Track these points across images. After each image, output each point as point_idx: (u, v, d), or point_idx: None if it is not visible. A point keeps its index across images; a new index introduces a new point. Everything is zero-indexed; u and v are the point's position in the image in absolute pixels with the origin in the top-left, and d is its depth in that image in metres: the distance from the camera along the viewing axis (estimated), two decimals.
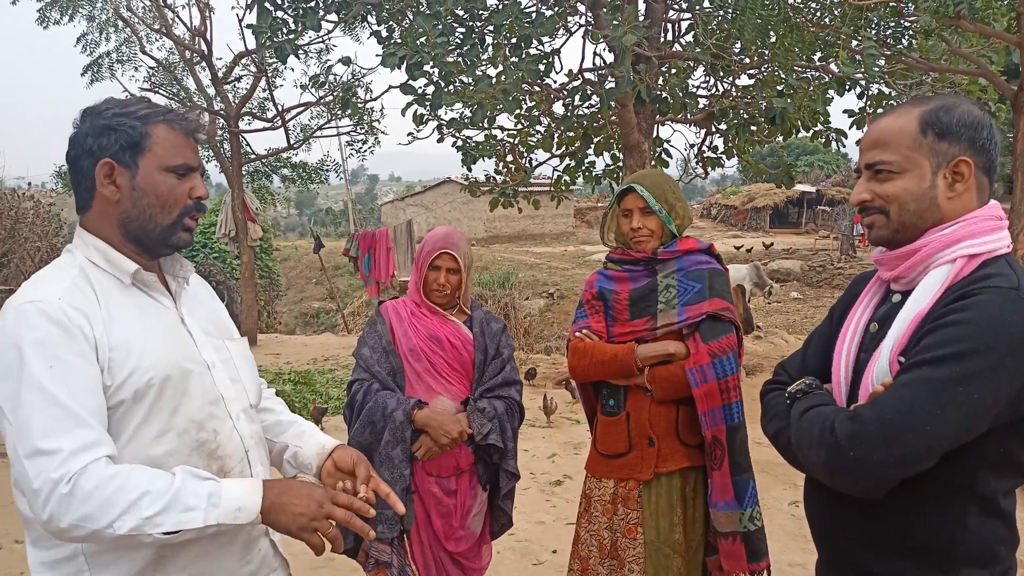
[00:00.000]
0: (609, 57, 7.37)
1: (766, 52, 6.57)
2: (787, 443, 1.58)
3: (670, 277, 2.61)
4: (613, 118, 7.68)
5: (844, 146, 8.38)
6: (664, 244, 2.63)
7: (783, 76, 7.10)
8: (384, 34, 7.25)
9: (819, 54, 6.97)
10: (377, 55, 6.31)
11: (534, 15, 6.74)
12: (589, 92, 7.71)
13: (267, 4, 6.68)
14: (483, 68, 6.50)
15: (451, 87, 6.59)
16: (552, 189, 9.45)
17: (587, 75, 7.71)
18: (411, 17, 6.69)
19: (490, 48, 6.77)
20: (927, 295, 1.46)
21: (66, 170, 1.55)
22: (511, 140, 8.81)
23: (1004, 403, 1.35)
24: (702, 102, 8.15)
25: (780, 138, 8.41)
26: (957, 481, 1.42)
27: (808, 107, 7.03)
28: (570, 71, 7.72)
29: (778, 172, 8.74)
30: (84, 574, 1.43)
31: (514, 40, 6.38)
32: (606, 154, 8.89)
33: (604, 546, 2.67)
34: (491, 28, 6.65)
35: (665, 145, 8.81)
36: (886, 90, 7.71)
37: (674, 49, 7.82)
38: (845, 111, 7.77)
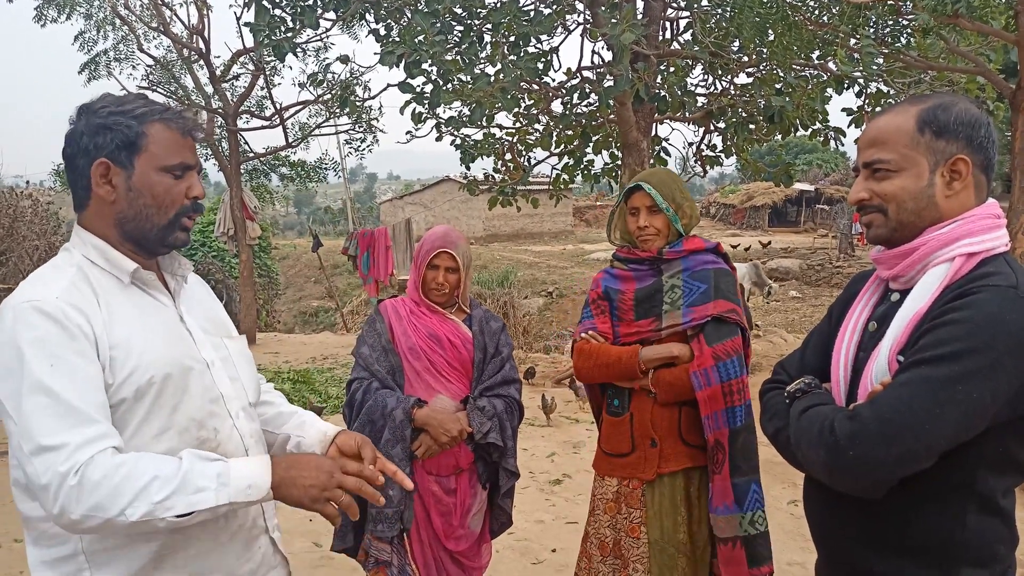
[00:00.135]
0: (607, 55, 7.38)
1: (764, 50, 6.57)
2: (786, 442, 1.58)
3: (675, 277, 2.61)
4: (612, 116, 7.69)
5: (843, 144, 8.39)
6: (670, 244, 2.62)
7: (781, 74, 7.10)
8: (382, 32, 7.24)
9: (817, 52, 6.97)
10: (375, 53, 6.30)
11: (532, 13, 6.74)
12: (587, 90, 7.71)
13: (265, 2, 6.67)
14: (481, 66, 6.49)
15: (449, 85, 6.58)
16: (551, 187, 9.45)
17: (585, 73, 7.71)
18: (409, 15, 6.68)
19: (488, 46, 6.76)
20: (926, 294, 1.46)
21: (63, 168, 1.55)
22: (510, 138, 8.81)
23: (1003, 402, 1.35)
24: (700, 100, 8.15)
25: (779, 136, 8.41)
26: (956, 480, 1.42)
27: (807, 105, 7.04)
28: (568, 69, 7.72)
29: (777, 170, 8.75)
30: (84, 573, 1.42)
31: (512, 38, 6.37)
32: (605, 152, 8.89)
33: (606, 544, 2.68)
34: (489, 26, 6.65)
35: (664, 143, 8.82)
36: (884, 88, 7.72)
37: (672, 47, 7.82)
38: (844, 109, 7.77)
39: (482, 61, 6.52)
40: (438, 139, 8.03)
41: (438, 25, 6.11)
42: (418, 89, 6.59)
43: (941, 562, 1.45)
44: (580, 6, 7.33)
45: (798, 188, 33.93)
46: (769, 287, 15.93)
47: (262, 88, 13.20)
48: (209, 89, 12.91)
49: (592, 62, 7.76)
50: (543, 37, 6.97)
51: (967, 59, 7.13)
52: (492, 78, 6.10)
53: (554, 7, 7.08)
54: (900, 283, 1.56)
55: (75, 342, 1.36)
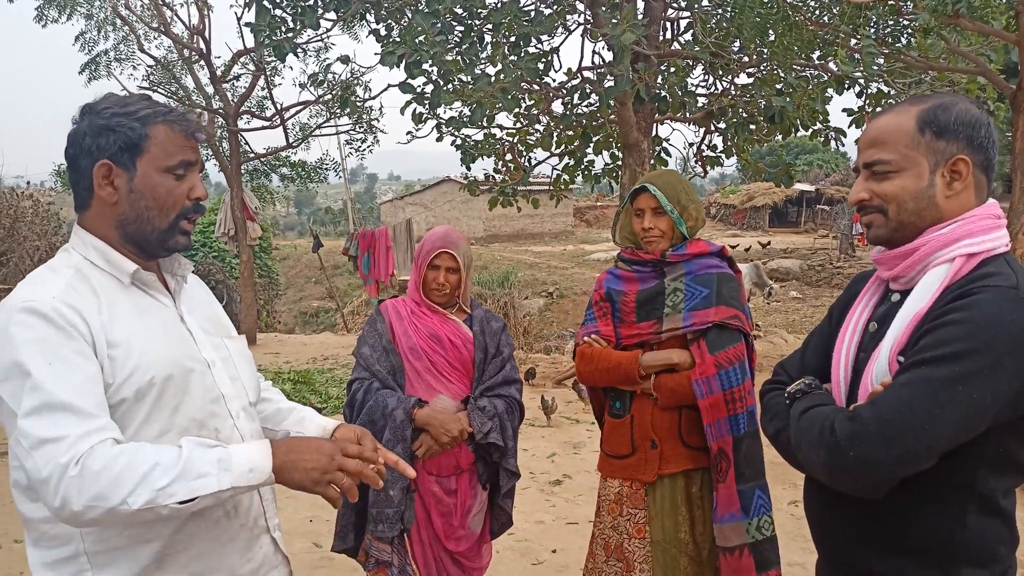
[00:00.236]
0: (608, 56, 7.38)
1: (765, 51, 6.58)
2: (787, 443, 1.58)
3: (678, 280, 2.61)
4: (612, 117, 7.69)
5: (843, 145, 8.40)
6: (674, 246, 2.62)
7: (782, 75, 7.11)
8: (383, 32, 7.25)
9: (818, 53, 6.98)
10: (376, 53, 6.31)
11: (533, 14, 6.75)
12: (588, 91, 7.72)
13: (266, 2, 6.68)
14: (482, 67, 6.50)
15: (450, 86, 6.59)
16: (551, 188, 9.46)
17: (586, 74, 7.72)
18: (410, 16, 6.69)
19: (489, 47, 6.77)
20: (926, 294, 1.46)
21: (64, 169, 1.54)
22: (510, 139, 8.82)
23: (1003, 402, 1.35)
24: (701, 101, 8.16)
25: (779, 137, 8.42)
26: (956, 480, 1.42)
27: (807, 106, 7.04)
28: (569, 70, 7.73)
29: (777, 171, 8.75)
30: (86, 574, 1.42)
31: (513, 39, 6.38)
32: (605, 153, 8.90)
33: (609, 545, 2.68)
34: (490, 27, 6.65)
35: (664, 144, 8.83)
36: (885, 89, 7.73)
37: (673, 48, 7.82)
38: (844, 110, 7.78)
39: (483, 61, 6.52)
40: (439, 139, 8.03)
41: (439, 25, 6.12)
42: (419, 89, 6.60)
43: (941, 562, 1.45)
44: (581, 6, 7.34)
45: (798, 188, 33.92)
46: (770, 287, 15.93)
47: (263, 88, 13.21)
48: (210, 89, 12.91)
49: (593, 62, 7.78)
50: (544, 37, 6.98)
51: (968, 59, 7.13)
52: (493, 78, 6.11)
53: (555, 7, 7.09)
54: (900, 284, 1.56)
55: (72, 341, 1.36)
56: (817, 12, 6.86)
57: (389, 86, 7.12)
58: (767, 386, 1.76)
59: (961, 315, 1.37)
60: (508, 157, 8.90)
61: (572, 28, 7.90)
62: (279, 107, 12.90)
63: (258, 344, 12.42)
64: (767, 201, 36.10)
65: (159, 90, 13.47)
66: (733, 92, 8.07)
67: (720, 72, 7.83)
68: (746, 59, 7.16)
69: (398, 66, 6.07)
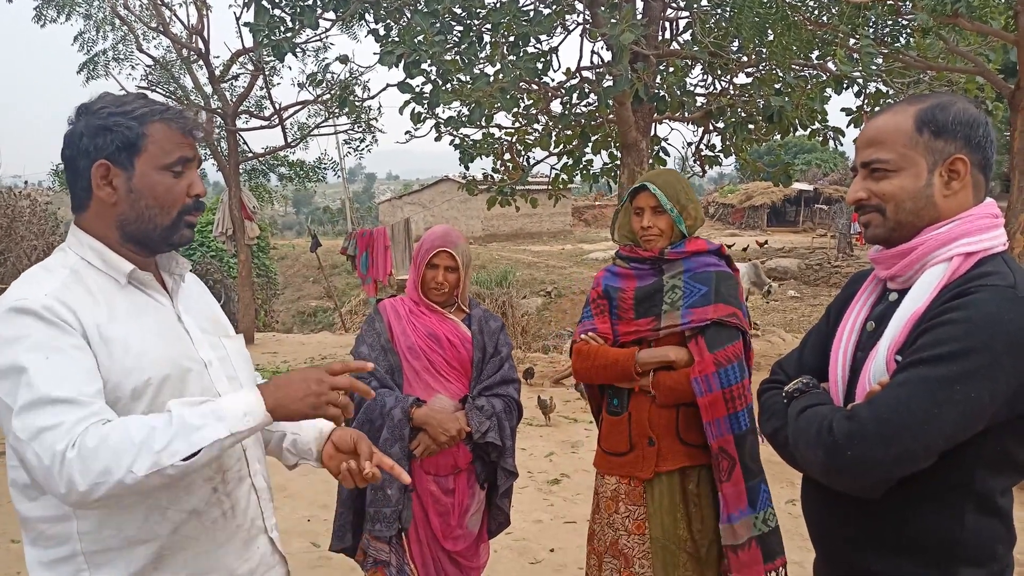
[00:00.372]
0: (607, 55, 7.39)
1: (764, 50, 6.58)
2: (784, 442, 1.58)
3: (676, 278, 2.62)
4: (611, 116, 7.69)
5: (842, 144, 8.41)
6: (673, 244, 2.63)
7: (781, 74, 7.12)
8: (382, 32, 7.24)
9: (817, 52, 6.99)
10: (375, 53, 6.31)
11: (532, 13, 6.74)
12: (587, 90, 7.72)
13: (264, 2, 6.67)
14: (481, 66, 6.50)
15: (449, 85, 6.59)
16: (550, 187, 9.46)
17: (585, 73, 7.72)
18: (409, 15, 6.68)
19: (488, 46, 6.77)
20: (924, 294, 1.46)
21: (62, 168, 1.53)
22: (509, 138, 8.81)
23: (1001, 402, 1.35)
24: (700, 100, 8.16)
25: (778, 136, 8.42)
26: (954, 479, 1.42)
27: (806, 105, 7.05)
28: (568, 69, 7.72)
29: (776, 170, 8.76)
30: (83, 574, 1.42)
31: (512, 38, 6.38)
32: (604, 152, 8.90)
33: (604, 541, 2.70)
34: (489, 26, 6.65)
35: (663, 143, 8.83)
36: (884, 88, 7.73)
37: (672, 47, 7.83)
38: (843, 109, 7.78)
39: (481, 61, 6.53)
40: (437, 139, 8.03)
41: (437, 25, 6.12)
42: (417, 89, 6.60)
43: (939, 561, 1.45)
44: (579, 6, 7.34)
45: (797, 188, 33.93)
46: (769, 286, 15.92)
47: (261, 88, 13.21)
48: (208, 89, 12.90)
49: (591, 62, 7.78)
50: (542, 37, 6.97)
51: (966, 59, 7.13)
52: (491, 78, 6.11)
53: (553, 7, 7.09)
54: (898, 283, 1.56)
55: (66, 335, 1.36)
56: (816, 12, 6.87)
57: (388, 86, 7.10)
58: (765, 385, 1.76)
59: (959, 314, 1.37)
60: (507, 156, 8.90)
61: (571, 28, 7.91)
62: (278, 107, 12.90)
63: (256, 343, 12.42)
64: (765, 200, 36.10)
65: (158, 90, 13.47)
66: (732, 92, 8.07)
67: (719, 72, 7.84)
68: (745, 59, 7.16)
69: (397, 66, 6.06)
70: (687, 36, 7.81)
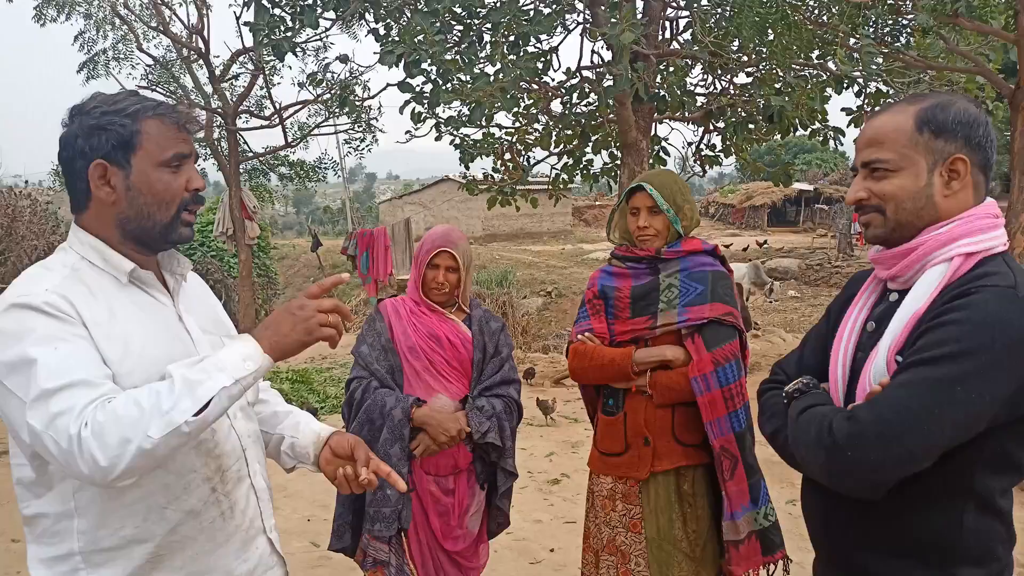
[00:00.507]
0: (607, 55, 7.38)
1: (764, 50, 6.58)
2: (784, 443, 1.58)
3: (673, 277, 2.62)
4: (611, 116, 7.69)
5: (842, 144, 8.40)
6: (669, 244, 2.64)
7: (781, 74, 7.11)
8: (382, 32, 7.24)
9: (817, 52, 6.98)
10: (375, 53, 6.30)
11: (532, 13, 6.74)
12: (587, 90, 7.72)
13: (264, 2, 6.67)
14: (481, 66, 6.50)
15: (449, 85, 6.58)
16: (550, 187, 9.46)
17: (585, 73, 7.71)
18: (409, 15, 6.68)
19: (488, 46, 6.77)
20: (924, 294, 1.45)
21: (61, 169, 1.53)
22: (509, 138, 8.80)
23: (1002, 403, 1.34)
24: (700, 100, 8.16)
25: (778, 136, 8.42)
26: (954, 480, 1.42)
27: (806, 105, 7.04)
28: (568, 69, 7.72)
29: (776, 170, 8.75)
30: (80, 572, 1.42)
31: (512, 38, 6.38)
32: (604, 152, 8.89)
33: (600, 539, 2.71)
34: (489, 26, 6.65)
35: (663, 143, 8.82)
36: (884, 88, 7.72)
37: (672, 47, 7.82)
38: (843, 109, 7.77)
39: (481, 61, 6.53)
40: (437, 139, 8.02)
41: (437, 25, 6.12)
42: (417, 89, 6.60)
43: (939, 562, 1.44)
44: (580, 6, 7.34)
45: (797, 188, 33.94)
46: (771, 284, 15.91)
47: (261, 88, 13.19)
48: (208, 89, 12.89)
49: (592, 62, 7.77)
50: (543, 37, 6.97)
51: (966, 59, 7.13)
52: (491, 78, 6.11)
53: (554, 7, 7.08)
54: (898, 283, 1.55)
55: (68, 326, 1.37)
56: (816, 12, 6.87)
57: (388, 85, 7.10)
58: (765, 385, 1.76)
59: (960, 315, 1.37)
60: (507, 156, 8.89)
61: (571, 27, 7.90)
62: (278, 106, 12.89)
63: None
64: (766, 200, 36.11)
65: (158, 89, 13.46)
66: (732, 91, 8.07)
67: (719, 71, 7.83)
68: (745, 58, 7.15)
69: (397, 65, 6.06)
70: (687, 36, 7.80)
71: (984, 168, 1.51)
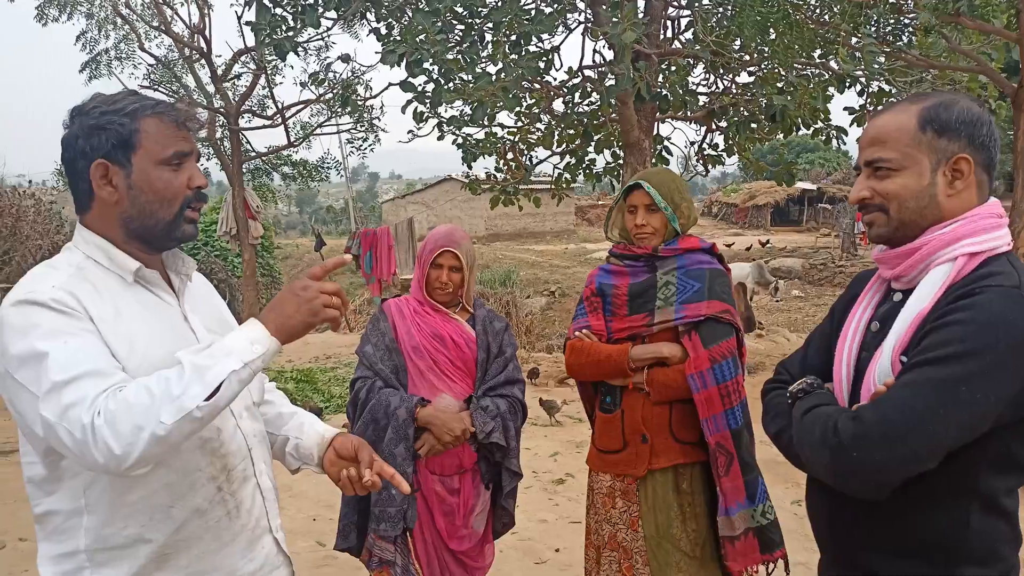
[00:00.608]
0: (609, 54, 7.37)
1: (766, 49, 6.57)
2: (789, 443, 1.58)
3: (670, 274, 2.63)
4: (613, 115, 7.69)
5: (845, 143, 8.38)
6: (666, 242, 2.65)
7: (783, 73, 7.11)
8: (383, 31, 7.25)
9: (819, 51, 6.97)
10: (376, 52, 6.31)
11: (533, 12, 6.74)
12: (589, 89, 7.72)
13: (266, 1, 6.67)
14: (483, 65, 6.50)
15: (451, 84, 6.59)
16: (553, 187, 9.46)
17: (587, 72, 7.71)
18: (410, 14, 6.68)
19: (490, 45, 6.77)
20: (928, 294, 1.45)
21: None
22: (511, 138, 8.80)
23: (1006, 403, 1.34)
24: (702, 99, 8.15)
25: (780, 135, 8.41)
26: (959, 481, 1.41)
27: (808, 104, 7.03)
28: (570, 68, 7.72)
29: (779, 170, 8.73)
30: (84, 571, 1.43)
31: (514, 37, 6.38)
32: (606, 152, 8.89)
33: (602, 536, 2.71)
34: (490, 25, 6.65)
35: (665, 142, 8.82)
36: (886, 87, 7.71)
37: (674, 46, 7.81)
38: (845, 108, 7.76)
39: (483, 60, 6.53)
40: (440, 138, 8.03)
41: (439, 24, 6.12)
42: (420, 88, 6.60)
43: (944, 562, 1.44)
44: (581, 5, 7.34)
45: (800, 187, 33.91)
46: (775, 283, 15.87)
47: (264, 87, 13.22)
48: (211, 88, 12.92)
49: (593, 61, 7.77)
50: (544, 36, 6.97)
51: (969, 58, 7.12)
52: (493, 77, 6.11)
53: (555, 6, 7.08)
54: (902, 283, 1.55)
55: (75, 320, 1.37)
56: (818, 11, 6.86)
57: (390, 85, 7.12)
58: (769, 385, 1.76)
59: (964, 315, 1.36)
60: (509, 156, 8.89)
61: (573, 27, 7.89)
62: (280, 106, 12.92)
63: None
64: (769, 200, 36.08)
65: (160, 89, 13.48)
66: (734, 91, 8.06)
67: (721, 71, 7.82)
68: (747, 58, 7.15)
69: (399, 65, 6.07)
70: (689, 35, 7.80)
71: (988, 167, 1.51)
